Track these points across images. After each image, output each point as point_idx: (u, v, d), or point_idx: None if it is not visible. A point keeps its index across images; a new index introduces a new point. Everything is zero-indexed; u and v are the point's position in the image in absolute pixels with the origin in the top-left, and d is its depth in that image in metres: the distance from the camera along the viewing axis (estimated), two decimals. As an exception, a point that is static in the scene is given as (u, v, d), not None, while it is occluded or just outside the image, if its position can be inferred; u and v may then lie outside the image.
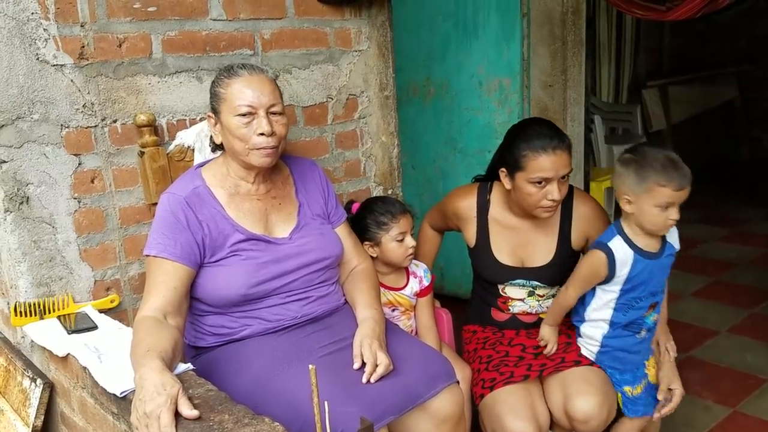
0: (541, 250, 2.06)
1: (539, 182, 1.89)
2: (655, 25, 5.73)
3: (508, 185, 1.99)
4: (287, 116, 2.22)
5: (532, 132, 1.92)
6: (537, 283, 2.07)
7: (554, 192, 1.88)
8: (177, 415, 1.28)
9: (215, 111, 1.74)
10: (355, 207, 2.16)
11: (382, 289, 2.10)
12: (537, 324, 2.12)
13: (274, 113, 1.70)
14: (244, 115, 1.67)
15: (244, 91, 1.68)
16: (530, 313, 2.12)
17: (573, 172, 3.21)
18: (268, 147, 1.68)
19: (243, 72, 1.71)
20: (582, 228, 2.05)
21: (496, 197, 2.11)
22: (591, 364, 1.94)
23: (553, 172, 1.87)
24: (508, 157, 1.95)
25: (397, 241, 2.05)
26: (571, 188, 2.09)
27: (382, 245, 2.07)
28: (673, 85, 5.89)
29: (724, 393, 2.67)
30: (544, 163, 1.87)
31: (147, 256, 1.66)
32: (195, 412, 1.28)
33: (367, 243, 2.08)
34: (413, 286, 2.15)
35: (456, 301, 3.14)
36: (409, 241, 2.07)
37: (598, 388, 1.86)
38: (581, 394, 1.84)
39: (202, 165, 1.84)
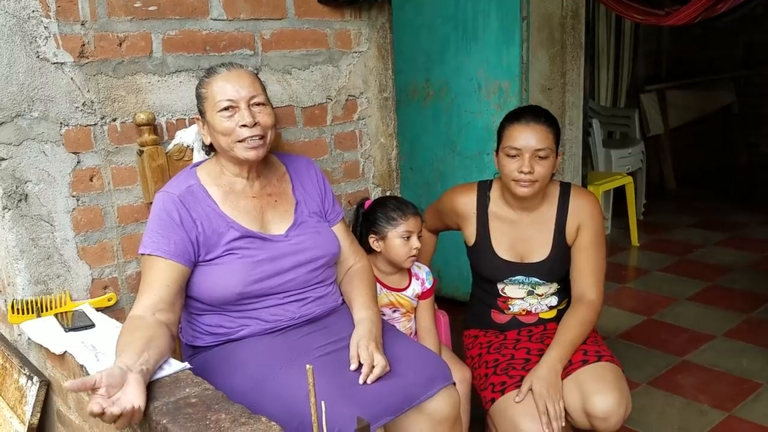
0: (539, 245, 2.07)
1: (512, 153, 1.95)
2: (653, 30, 5.75)
3: (497, 165, 2.04)
4: (286, 116, 2.25)
5: (516, 110, 2.04)
6: (536, 279, 2.07)
7: (523, 166, 1.92)
8: (176, 413, 1.27)
9: (201, 112, 1.76)
10: (368, 203, 2.17)
11: (383, 290, 2.11)
12: (537, 324, 2.13)
13: (256, 104, 1.71)
14: (226, 109, 1.68)
15: (224, 87, 1.69)
16: (530, 312, 2.13)
17: (572, 176, 3.25)
18: (252, 138, 1.69)
19: (221, 69, 1.73)
20: (575, 219, 2.06)
21: (495, 193, 2.13)
22: (598, 359, 1.94)
23: (523, 142, 1.93)
24: (498, 137, 2.04)
25: (403, 238, 2.06)
26: (568, 185, 2.10)
27: (387, 240, 2.07)
28: (672, 90, 5.90)
29: (719, 397, 2.68)
30: (514, 132, 1.95)
31: (142, 254, 1.67)
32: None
33: (373, 236, 2.09)
34: (415, 287, 2.16)
35: (453, 303, 3.16)
36: (414, 241, 2.07)
37: (613, 384, 1.86)
38: (599, 392, 1.83)
39: (197, 164, 1.85)
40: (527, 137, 1.93)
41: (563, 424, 1.84)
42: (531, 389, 1.86)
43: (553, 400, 1.83)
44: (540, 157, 1.93)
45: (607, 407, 1.82)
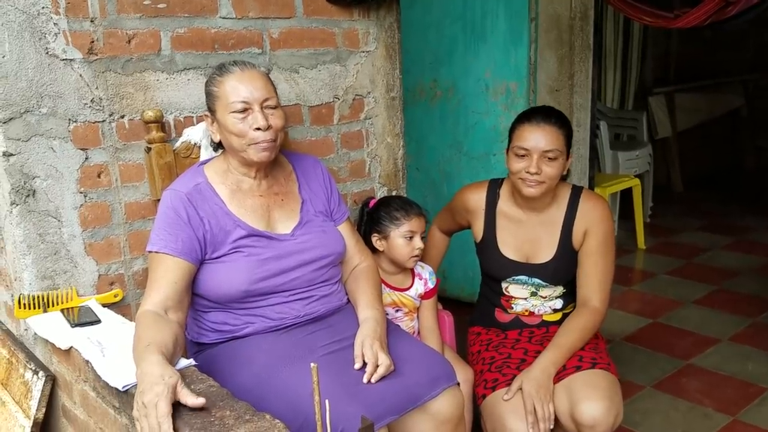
0: (545, 247, 2.06)
1: (520, 153, 1.94)
2: (662, 33, 5.73)
3: (507, 164, 2.03)
4: (293, 115, 2.25)
5: (529, 109, 2.04)
6: (539, 281, 2.07)
7: (531, 166, 1.92)
8: (178, 406, 1.28)
9: (211, 110, 1.75)
10: (372, 202, 2.17)
11: (386, 289, 2.11)
12: (540, 326, 2.13)
13: (268, 107, 1.71)
14: (239, 111, 1.68)
15: (237, 88, 1.68)
16: (533, 314, 2.13)
17: (578, 178, 3.25)
18: (265, 141, 1.69)
19: (234, 69, 1.71)
20: (583, 222, 2.04)
21: (505, 191, 2.13)
22: (592, 366, 1.93)
23: (532, 142, 1.92)
24: (509, 136, 2.04)
25: (406, 238, 2.06)
26: (580, 189, 2.09)
27: (390, 240, 2.07)
28: (680, 93, 5.88)
29: (724, 401, 2.67)
30: (524, 132, 1.95)
31: (149, 252, 1.67)
32: (201, 400, 1.28)
33: (376, 235, 2.09)
34: (418, 287, 2.16)
35: (458, 304, 3.16)
36: (417, 242, 2.07)
37: (604, 392, 1.84)
38: (588, 399, 1.82)
39: (205, 162, 1.85)
40: (536, 138, 1.92)
41: (551, 426, 1.83)
42: (521, 388, 1.85)
43: (542, 401, 1.82)
44: (549, 158, 1.92)
45: (595, 415, 1.79)
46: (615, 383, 1.91)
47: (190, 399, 1.28)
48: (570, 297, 2.13)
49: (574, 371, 1.92)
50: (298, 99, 2.26)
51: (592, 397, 1.82)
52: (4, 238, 1.87)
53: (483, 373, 2.01)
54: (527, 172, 1.93)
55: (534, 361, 1.92)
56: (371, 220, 2.12)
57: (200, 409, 1.29)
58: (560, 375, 1.92)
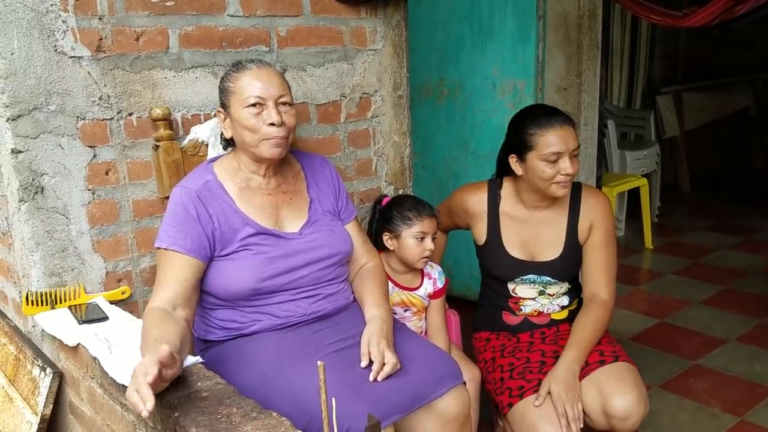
0: (551, 244, 2.07)
1: (552, 159, 1.92)
2: (670, 32, 5.70)
3: (519, 170, 2.01)
4: (300, 113, 2.25)
5: (535, 113, 2.01)
6: (548, 278, 2.07)
7: (567, 167, 1.92)
8: (185, 403, 1.29)
9: (224, 106, 1.76)
10: (385, 201, 2.17)
11: (395, 289, 2.10)
12: (550, 325, 2.12)
13: (282, 104, 1.72)
14: (254, 105, 1.69)
15: (253, 83, 1.70)
16: (542, 313, 2.12)
17: (586, 177, 3.24)
18: (278, 137, 1.70)
19: (251, 65, 1.73)
20: (588, 218, 2.06)
21: (506, 192, 2.12)
22: (615, 359, 1.93)
23: (563, 145, 1.92)
24: (515, 142, 2.01)
25: (417, 239, 2.06)
26: (579, 185, 2.10)
27: (401, 239, 2.07)
28: (688, 92, 5.86)
29: (731, 402, 2.66)
30: (552, 138, 1.92)
31: (158, 248, 1.68)
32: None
33: (387, 234, 2.09)
34: (427, 287, 2.16)
35: (464, 303, 3.15)
36: (428, 243, 2.07)
37: (632, 384, 1.86)
38: (618, 392, 1.84)
39: (214, 160, 1.86)
40: (565, 139, 1.92)
41: (581, 425, 1.83)
42: (549, 392, 1.85)
43: (572, 401, 1.82)
44: (575, 155, 1.95)
45: (627, 407, 1.82)
46: (638, 374, 1.94)
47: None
48: (575, 293, 2.14)
49: (598, 366, 1.92)
50: (305, 97, 2.26)
51: (623, 389, 1.84)
52: (12, 235, 1.88)
53: (504, 381, 1.98)
54: (564, 174, 1.92)
55: (557, 363, 1.92)
56: (383, 218, 2.12)
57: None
58: (585, 371, 1.92)
